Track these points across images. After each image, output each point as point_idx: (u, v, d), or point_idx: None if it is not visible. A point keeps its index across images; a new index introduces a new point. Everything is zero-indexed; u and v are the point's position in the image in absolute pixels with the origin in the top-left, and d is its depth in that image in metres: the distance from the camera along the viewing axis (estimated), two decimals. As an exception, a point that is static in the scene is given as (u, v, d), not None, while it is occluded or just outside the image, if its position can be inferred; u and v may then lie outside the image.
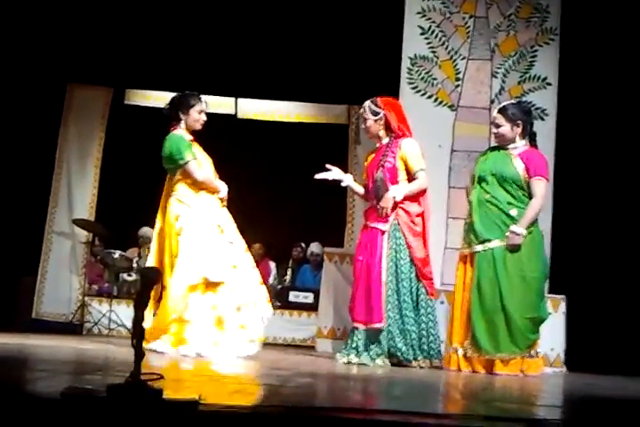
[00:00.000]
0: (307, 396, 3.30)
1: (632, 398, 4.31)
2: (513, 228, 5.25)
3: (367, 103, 5.70)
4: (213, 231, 5.48)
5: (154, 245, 5.63)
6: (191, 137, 5.66)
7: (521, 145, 5.45)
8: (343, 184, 5.82)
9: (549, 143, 6.56)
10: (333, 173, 5.78)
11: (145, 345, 5.06)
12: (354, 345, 5.52)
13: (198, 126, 5.66)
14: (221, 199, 5.62)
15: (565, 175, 6.74)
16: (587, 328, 6.75)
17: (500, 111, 5.47)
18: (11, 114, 8.45)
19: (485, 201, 5.37)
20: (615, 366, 6.26)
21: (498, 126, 5.43)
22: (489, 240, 5.30)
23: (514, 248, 5.25)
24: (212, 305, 5.37)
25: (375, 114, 5.66)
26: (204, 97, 5.73)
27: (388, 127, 5.68)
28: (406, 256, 5.53)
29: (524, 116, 5.43)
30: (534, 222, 5.34)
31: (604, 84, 7.36)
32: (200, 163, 5.58)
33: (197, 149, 5.67)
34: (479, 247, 5.33)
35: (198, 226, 5.45)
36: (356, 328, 5.55)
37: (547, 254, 6.25)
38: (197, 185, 5.53)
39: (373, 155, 5.77)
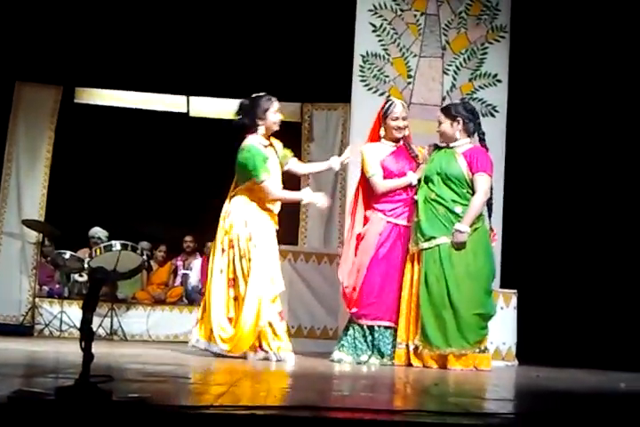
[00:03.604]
0: (258, 396, 3.28)
1: (583, 390, 4.36)
2: (457, 226, 5.29)
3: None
4: (274, 243, 5.49)
5: (218, 243, 5.49)
6: (267, 142, 5.61)
7: (465, 143, 5.52)
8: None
9: (500, 140, 6.62)
10: None
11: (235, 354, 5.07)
12: (375, 344, 5.47)
13: (276, 127, 5.61)
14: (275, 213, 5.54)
15: (515, 171, 6.81)
16: (538, 322, 6.84)
17: (441, 110, 5.63)
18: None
19: (431, 200, 5.41)
20: (566, 358, 6.35)
21: (439, 124, 5.53)
22: (434, 237, 5.34)
23: (459, 246, 5.30)
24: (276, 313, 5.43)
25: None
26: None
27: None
28: None
29: (465, 112, 5.51)
30: (480, 219, 5.39)
31: (554, 80, 7.45)
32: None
33: (271, 154, 5.58)
34: (425, 245, 5.36)
35: (265, 236, 5.44)
36: (384, 327, 5.48)
37: (498, 250, 6.33)
38: (256, 196, 5.46)
39: (393, 148, 5.76)
